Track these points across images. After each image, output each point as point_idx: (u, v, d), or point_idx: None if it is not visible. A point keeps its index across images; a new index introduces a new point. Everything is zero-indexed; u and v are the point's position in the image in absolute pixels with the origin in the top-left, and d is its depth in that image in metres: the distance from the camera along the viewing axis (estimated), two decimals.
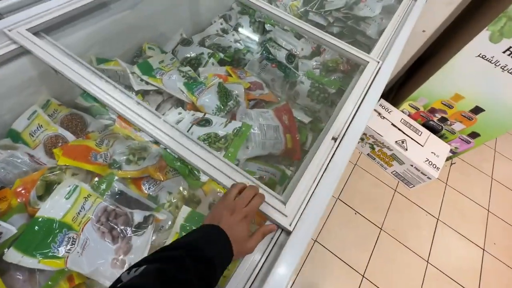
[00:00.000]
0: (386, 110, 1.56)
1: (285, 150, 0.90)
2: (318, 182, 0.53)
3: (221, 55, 1.12)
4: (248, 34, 1.27)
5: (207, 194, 0.67)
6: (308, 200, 0.51)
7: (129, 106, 0.56)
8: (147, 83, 0.86)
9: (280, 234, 0.48)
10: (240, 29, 1.28)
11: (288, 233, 0.47)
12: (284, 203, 0.51)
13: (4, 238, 0.48)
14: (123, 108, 0.56)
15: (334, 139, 0.60)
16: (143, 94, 0.88)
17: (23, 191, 0.56)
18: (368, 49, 1.16)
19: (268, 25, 1.26)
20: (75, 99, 0.87)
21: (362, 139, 1.58)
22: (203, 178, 0.71)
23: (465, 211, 1.55)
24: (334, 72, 1.20)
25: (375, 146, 1.54)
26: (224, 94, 0.89)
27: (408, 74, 1.60)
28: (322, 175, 0.54)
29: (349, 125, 0.63)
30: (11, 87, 0.68)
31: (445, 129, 1.52)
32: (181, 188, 0.66)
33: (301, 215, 0.49)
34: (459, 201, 1.59)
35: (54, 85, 0.80)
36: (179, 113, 0.88)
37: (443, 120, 1.49)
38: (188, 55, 1.08)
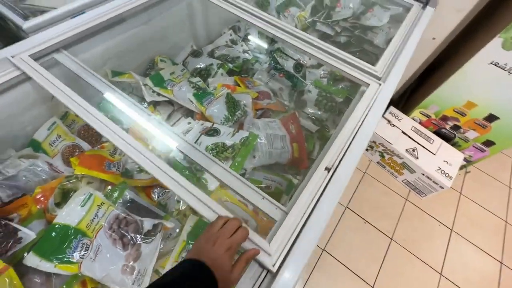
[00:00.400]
0: (396, 117, 1.54)
1: (292, 159, 0.91)
2: (308, 216, 0.50)
3: (230, 65, 1.16)
4: (256, 45, 1.30)
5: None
6: (296, 238, 0.47)
7: (121, 134, 0.56)
8: (158, 94, 0.90)
9: (265, 276, 0.44)
10: (248, 40, 1.32)
11: (273, 274, 0.44)
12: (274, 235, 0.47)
13: (24, 243, 0.52)
14: (115, 136, 0.55)
15: (328, 169, 0.56)
16: (155, 104, 0.92)
17: (42, 198, 0.60)
18: (375, 58, 1.17)
19: None
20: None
21: (371, 147, 1.56)
22: (211, 187, 0.73)
23: (480, 222, 1.50)
24: (342, 81, 1.20)
25: (385, 154, 1.52)
26: (232, 104, 0.92)
27: (419, 81, 1.59)
28: (313, 208, 0.51)
29: (344, 153, 0.59)
30: (33, 101, 0.73)
31: (458, 137, 1.49)
32: None
33: (287, 254, 0.45)
34: (474, 212, 1.54)
35: None
36: (189, 123, 0.91)
37: (456, 128, 1.45)
38: (198, 66, 1.12)
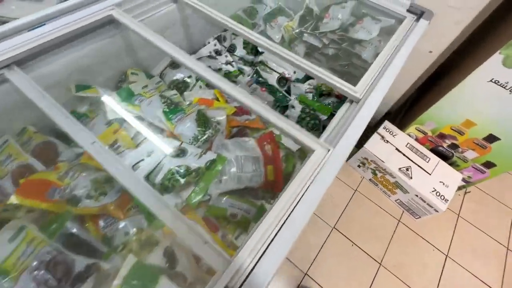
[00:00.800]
0: (391, 133, 1.46)
1: (265, 182, 0.85)
2: None
3: None
4: (240, 56, 1.24)
5: (165, 236, 0.63)
6: None
7: None
8: (126, 110, 0.85)
9: None
10: (233, 51, 1.26)
11: None
12: None
13: None
14: None
15: None
16: (122, 121, 0.86)
17: None
18: (364, 71, 1.10)
19: None
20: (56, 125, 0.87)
21: (363, 163, 1.48)
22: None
23: (479, 247, 1.40)
24: (328, 96, 1.13)
25: (377, 172, 1.44)
26: (202, 122, 0.86)
27: (416, 96, 1.50)
28: None
29: (254, 267, 0.43)
30: None
31: (457, 157, 1.39)
32: (139, 229, 0.62)
33: None
34: (473, 236, 1.44)
35: (33, 112, 0.80)
36: None
37: (454, 146, 1.36)
38: (176, 78, 1.07)
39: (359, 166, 1.53)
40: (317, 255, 1.28)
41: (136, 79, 0.96)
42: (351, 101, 0.78)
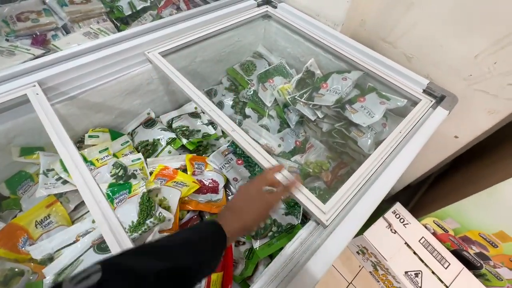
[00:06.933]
0: (401, 221, 1.20)
1: None
2: None
3: (184, 141, 0.99)
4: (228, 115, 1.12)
5: None
6: None
7: None
8: (65, 182, 0.76)
9: None
10: (220, 108, 1.15)
11: None
12: None
13: None
14: None
15: None
16: (60, 195, 0.77)
17: None
18: (361, 160, 0.90)
19: (249, 109, 1.10)
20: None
21: (362, 251, 1.23)
22: None
23: None
24: (316, 179, 0.95)
25: (378, 267, 1.17)
26: (146, 208, 0.73)
27: (434, 181, 1.23)
28: None
29: None
30: None
31: (487, 269, 1.08)
32: None
33: None
34: None
35: None
36: (93, 221, 0.75)
37: (483, 257, 1.06)
38: (145, 140, 0.98)
39: (358, 253, 1.27)
40: None
41: (95, 142, 0.88)
42: (317, 222, 0.59)
